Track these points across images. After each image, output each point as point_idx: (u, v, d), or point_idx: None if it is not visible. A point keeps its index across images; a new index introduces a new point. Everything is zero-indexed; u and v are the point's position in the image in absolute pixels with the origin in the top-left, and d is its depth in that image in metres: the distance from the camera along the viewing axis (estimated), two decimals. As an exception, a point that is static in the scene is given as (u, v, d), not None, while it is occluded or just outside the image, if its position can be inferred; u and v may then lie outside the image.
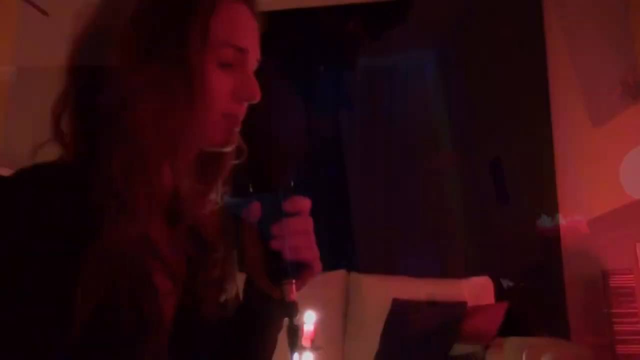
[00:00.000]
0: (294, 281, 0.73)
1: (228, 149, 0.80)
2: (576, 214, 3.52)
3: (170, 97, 0.72)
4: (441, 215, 3.62)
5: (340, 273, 3.28)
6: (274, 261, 0.73)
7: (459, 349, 2.68)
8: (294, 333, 0.72)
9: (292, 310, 0.72)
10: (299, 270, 0.74)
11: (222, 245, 0.85)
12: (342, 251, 3.63)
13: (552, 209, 3.50)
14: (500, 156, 3.60)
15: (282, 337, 0.80)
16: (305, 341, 2.05)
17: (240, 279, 0.87)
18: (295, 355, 1.76)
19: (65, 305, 0.65)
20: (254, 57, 0.80)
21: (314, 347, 2.03)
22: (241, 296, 0.88)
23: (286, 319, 0.73)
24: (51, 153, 0.75)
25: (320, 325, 2.97)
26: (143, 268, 0.72)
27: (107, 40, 0.73)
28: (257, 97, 0.79)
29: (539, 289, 3.44)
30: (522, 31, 3.74)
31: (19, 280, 0.65)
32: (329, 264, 3.37)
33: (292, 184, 0.77)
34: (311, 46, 4.00)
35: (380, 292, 3.12)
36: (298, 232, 0.73)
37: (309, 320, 2.08)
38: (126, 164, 0.70)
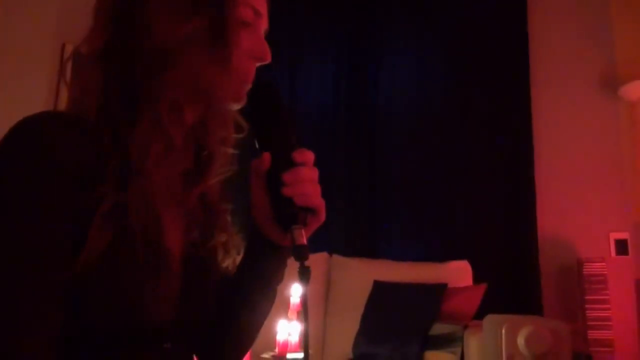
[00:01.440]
0: (302, 227, 0.75)
1: (238, 105, 0.83)
2: (552, 204, 3.61)
3: (211, 49, 0.76)
4: (423, 201, 3.66)
5: (322, 255, 3.31)
6: (285, 207, 0.76)
7: (439, 328, 2.73)
8: (306, 274, 0.75)
9: (303, 252, 0.74)
10: (309, 216, 0.77)
11: (227, 212, 0.90)
12: (324, 234, 3.65)
13: (529, 200, 3.58)
14: (478, 146, 3.66)
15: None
16: (291, 313, 2.07)
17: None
18: (282, 323, 1.78)
19: (82, 237, 0.67)
20: (264, 25, 0.85)
21: (300, 318, 2.06)
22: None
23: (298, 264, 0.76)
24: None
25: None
26: (159, 215, 0.75)
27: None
28: (268, 58, 0.83)
29: (516, 275, 3.50)
30: (505, 25, 3.81)
31: (47, 205, 0.66)
32: (311, 247, 3.39)
33: (296, 137, 0.80)
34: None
35: (361, 274, 3.16)
36: (307, 180, 0.77)
37: (295, 293, 2.10)
38: (175, 104, 0.75)
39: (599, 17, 3.74)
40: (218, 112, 0.82)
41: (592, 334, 3.29)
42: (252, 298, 0.88)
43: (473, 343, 2.46)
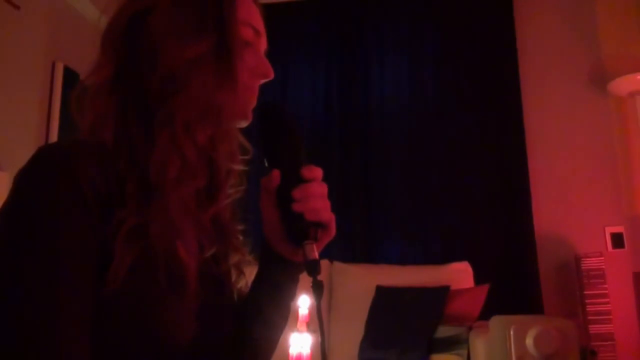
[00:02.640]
0: (314, 242, 0.76)
1: (245, 123, 0.86)
2: (547, 201, 3.65)
3: (218, 71, 0.78)
4: (419, 204, 3.68)
5: (323, 262, 3.31)
6: (296, 223, 0.77)
7: (444, 331, 2.74)
8: (319, 288, 0.75)
9: (315, 267, 0.75)
10: (320, 231, 0.78)
11: (238, 233, 0.91)
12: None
13: (525, 198, 3.61)
14: (471, 146, 3.69)
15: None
16: (300, 325, 2.07)
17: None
18: (295, 336, 1.78)
19: (106, 262, 0.68)
20: (264, 44, 0.88)
21: (310, 330, 2.06)
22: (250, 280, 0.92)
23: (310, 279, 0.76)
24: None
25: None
26: (178, 235, 0.76)
27: (150, 25, 0.79)
28: (271, 75, 0.86)
29: (514, 273, 3.53)
30: (494, 24, 3.84)
31: (69, 236, 0.67)
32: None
33: (305, 154, 0.82)
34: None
35: (363, 280, 3.17)
36: (317, 196, 0.78)
37: (304, 304, 2.10)
38: (188, 125, 0.76)
39: (585, 14, 3.79)
40: (227, 131, 0.85)
41: (593, 329, 3.32)
42: (266, 315, 0.89)
43: (479, 344, 2.47)
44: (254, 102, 0.85)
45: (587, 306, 3.35)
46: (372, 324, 2.96)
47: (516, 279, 3.52)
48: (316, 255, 0.76)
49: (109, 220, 0.69)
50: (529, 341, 2.04)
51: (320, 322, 0.76)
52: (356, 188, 3.76)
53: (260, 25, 0.86)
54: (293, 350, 1.85)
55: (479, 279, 3.19)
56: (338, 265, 3.33)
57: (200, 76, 0.77)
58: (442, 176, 3.70)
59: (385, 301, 3.00)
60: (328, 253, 3.40)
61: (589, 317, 3.33)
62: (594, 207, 3.61)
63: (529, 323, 2.07)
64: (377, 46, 3.98)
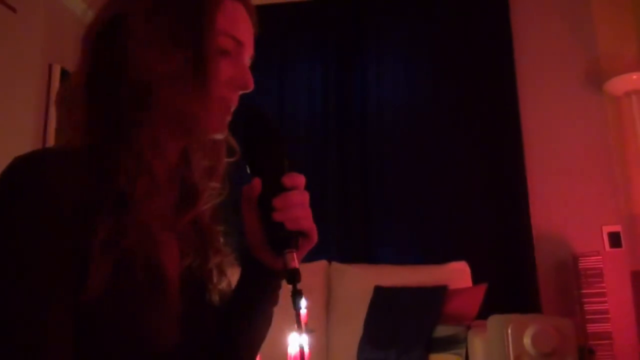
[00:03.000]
0: (294, 250, 0.77)
1: (220, 136, 0.85)
2: (544, 201, 3.66)
3: (189, 84, 0.77)
4: (417, 204, 3.69)
5: (321, 263, 3.32)
6: (276, 232, 0.77)
7: (442, 330, 2.75)
8: (297, 297, 0.76)
9: (295, 276, 0.75)
10: (300, 239, 0.79)
11: (220, 234, 0.91)
12: (322, 243, 3.65)
13: (522, 197, 3.62)
14: (468, 146, 3.70)
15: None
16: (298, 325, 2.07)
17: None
18: (293, 336, 1.79)
19: (83, 271, 0.68)
20: (248, 52, 0.85)
21: (308, 330, 2.07)
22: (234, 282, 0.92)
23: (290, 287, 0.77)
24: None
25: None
26: (156, 236, 0.76)
27: (125, 30, 0.78)
28: (250, 87, 0.84)
29: (512, 273, 3.53)
30: (490, 24, 3.85)
31: (48, 247, 0.67)
32: (309, 256, 3.40)
33: (287, 162, 0.82)
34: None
35: (361, 280, 3.17)
36: (297, 205, 0.78)
37: (302, 304, 2.11)
38: (155, 140, 0.77)
39: (581, 13, 3.80)
40: (200, 144, 0.86)
41: (591, 328, 3.33)
42: (248, 321, 0.90)
43: (478, 343, 2.48)
44: (229, 115, 0.84)
45: (585, 305, 3.35)
46: (371, 324, 2.96)
47: (514, 278, 3.53)
48: (296, 264, 0.76)
49: (85, 230, 0.69)
50: (527, 340, 2.05)
51: (299, 327, 0.78)
52: (354, 189, 3.76)
53: (244, 34, 0.84)
54: (292, 350, 1.86)
55: (477, 279, 3.20)
56: (336, 265, 3.33)
57: (170, 89, 0.77)
58: (440, 176, 3.70)
59: (384, 301, 3.01)
60: (326, 254, 3.42)
61: (587, 316, 3.34)
62: (592, 206, 3.62)
63: (527, 322, 2.08)
64: (375, 47, 3.99)
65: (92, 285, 0.68)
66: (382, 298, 3.02)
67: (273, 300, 0.90)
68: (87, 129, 0.77)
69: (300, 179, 0.80)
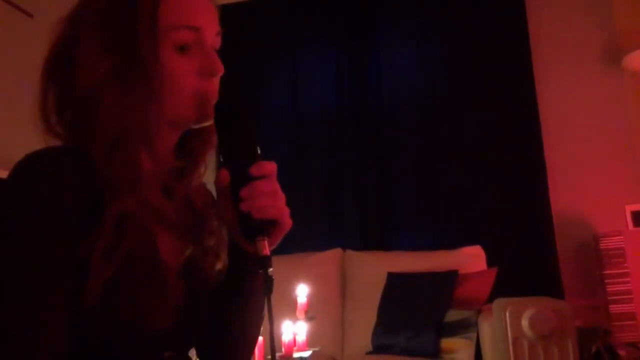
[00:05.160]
0: (265, 238, 0.79)
1: (206, 123, 0.86)
2: (564, 181, 3.59)
3: (130, 85, 0.79)
4: (434, 189, 3.67)
5: (336, 251, 3.36)
6: (244, 222, 0.80)
7: (453, 315, 2.75)
8: (268, 282, 0.78)
9: (265, 263, 0.78)
10: (269, 227, 0.80)
11: (213, 216, 0.93)
12: (337, 231, 3.69)
13: (541, 178, 3.56)
14: (485, 128, 3.65)
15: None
16: (299, 313, 2.13)
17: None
18: (288, 323, 1.83)
19: (81, 270, 0.73)
20: (211, 32, 0.86)
21: (308, 317, 2.12)
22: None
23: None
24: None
25: (319, 301, 3.08)
26: (150, 234, 0.81)
27: (75, 39, 0.82)
28: (218, 72, 0.85)
29: (532, 255, 3.49)
30: (503, 3, 3.78)
31: (50, 244, 0.73)
32: (325, 244, 3.45)
33: (259, 151, 0.83)
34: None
35: (375, 267, 3.20)
36: (264, 194, 0.79)
37: (302, 293, 2.16)
38: (106, 148, 0.79)
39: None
40: (169, 139, 0.88)
41: (614, 309, 3.27)
42: (240, 307, 0.93)
43: (485, 328, 2.48)
44: (211, 102, 0.85)
45: (607, 286, 3.29)
46: (384, 310, 2.99)
47: (534, 261, 3.49)
48: (267, 251, 0.78)
49: (89, 231, 0.74)
50: (525, 322, 2.04)
51: (270, 316, 0.79)
52: (370, 176, 3.77)
53: (198, 17, 0.83)
54: (285, 338, 1.91)
55: (496, 262, 3.17)
56: (350, 253, 3.37)
57: (111, 95, 0.79)
58: (456, 159, 3.67)
59: (396, 287, 3.03)
60: (341, 242, 3.46)
61: (609, 297, 3.28)
62: (613, 185, 3.54)
63: (525, 304, 2.07)
64: (388, 36, 3.96)
65: (89, 291, 0.73)
66: (395, 284, 3.04)
67: (259, 284, 0.91)
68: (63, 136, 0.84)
69: (269, 167, 0.81)
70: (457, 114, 3.73)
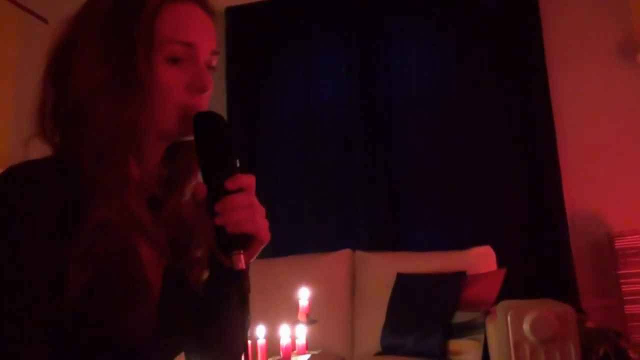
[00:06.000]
0: (241, 252, 0.79)
1: (189, 138, 0.86)
2: (579, 179, 3.54)
3: (123, 94, 0.80)
4: (445, 188, 3.64)
5: (346, 252, 3.37)
6: (220, 235, 0.79)
7: (461, 316, 2.74)
8: (243, 298, 0.79)
9: (240, 278, 0.78)
10: (246, 241, 0.80)
11: (201, 228, 0.92)
12: (347, 231, 3.70)
13: (555, 176, 3.51)
14: (498, 126, 3.61)
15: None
16: (300, 316, 2.14)
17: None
18: (285, 327, 1.84)
19: (60, 279, 0.73)
20: (205, 50, 0.86)
21: (309, 321, 2.12)
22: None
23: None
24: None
25: (329, 302, 3.09)
26: (130, 242, 0.82)
27: (75, 44, 0.83)
28: (207, 88, 0.85)
29: (546, 254, 3.45)
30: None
31: (24, 259, 0.73)
32: (335, 245, 3.46)
33: (238, 164, 0.83)
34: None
35: (385, 268, 3.19)
36: (239, 208, 0.79)
37: (304, 296, 2.17)
38: (95, 156, 0.79)
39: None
40: (156, 150, 0.89)
41: (629, 309, 3.22)
42: (221, 317, 0.93)
43: (491, 329, 2.46)
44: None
45: (622, 286, 3.24)
46: (393, 310, 2.99)
47: (548, 260, 3.45)
48: (242, 265, 0.78)
49: (66, 241, 0.74)
50: (526, 326, 2.02)
51: (245, 335, 0.81)
52: (381, 176, 3.76)
53: (193, 35, 0.84)
54: (283, 342, 1.92)
55: (509, 262, 3.15)
56: (360, 254, 3.37)
57: (104, 104, 0.79)
58: (468, 158, 3.64)
59: (405, 288, 3.02)
60: (352, 242, 3.46)
61: (625, 297, 3.23)
62: (628, 183, 3.47)
63: (526, 308, 2.05)
64: (398, 36, 3.93)
65: (67, 297, 0.74)
66: (404, 285, 3.03)
67: (238, 298, 0.91)
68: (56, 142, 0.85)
69: (245, 180, 0.80)
70: (468, 112, 3.69)
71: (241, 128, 3.95)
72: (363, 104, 3.89)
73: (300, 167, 3.81)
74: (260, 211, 0.81)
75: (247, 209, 0.79)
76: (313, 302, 2.21)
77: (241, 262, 0.78)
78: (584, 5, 3.68)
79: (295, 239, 3.64)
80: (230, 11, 4.11)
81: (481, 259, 3.10)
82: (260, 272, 3.24)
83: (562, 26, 3.69)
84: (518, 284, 3.14)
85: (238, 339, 0.96)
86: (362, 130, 3.85)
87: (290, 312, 2.34)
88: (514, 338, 2.04)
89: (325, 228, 3.68)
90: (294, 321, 2.12)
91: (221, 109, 3.93)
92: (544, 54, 3.64)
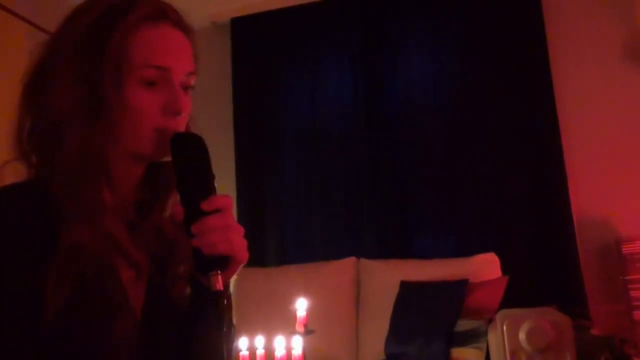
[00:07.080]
0: (219, 273, 0.79)
1: (167, 159, 0.87)
2: (585, 183, 3.50)
3: (92, 118, 0.82)
4: (451, 195, 3.63)
5: (350, 260, 3.38)
6: (197, 257, 0.80)
7: (464, 324, 2.73)
8: (220, 319, 0.80)
9: (216, 299, 0.79)
10: (223, 262, 0.80)
11: (183, 244, 0.92)
12: (352, 239, 3.71)
13: (561, 181, 3.48)
14: (502, 131, 3.59)
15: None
16: (298, 326, 2.16)
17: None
18: (280, 339, 1.86)
19: (38, 302, 0.75)
20: (180, 72, 0.87)
21: (307, 331, 2.14)
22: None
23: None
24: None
25: (333, 310, 3.10)
26: (106, 262, 0.83)
27: (48, 70, 0.86)
28: (181, 110, 0.86)
29: (553, 260, 3.42)
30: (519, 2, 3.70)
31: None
32: (339, 253, 3.47)
33: (215, 185, 0.84)
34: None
35: (389, 275, 3.20)
36: (215, 229, 0.79)
37: (301, 306, 2.19)
38: (63, 180, 0.81)
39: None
40: (132, 172, 0.91)
41: (638, 315, 3.18)
42: (203, 336, 0.93)
43: (492, 338, 2.46)
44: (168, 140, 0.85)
45: (631, 291, 3.21)
46: (396, 318, 2.99)
47: (555, 265, 3.42)
48: (220, 286, 0.79)
49: (43, 261, 0.76)
50: (522, 335, 2.02)
51: (227, 348, 0.82)
52: (387, 182, 3.76)
53: (167, 58, 0.85)
54: (278, 353, 1.94)
55: (516, 268, 3.13)
56: (364, 262, 3.38)
57: (75, 127, 0.81)
58: (473, 164, 3.62)
59: (409, 296, 3.02)
60: (357, 250, 3.48)
61: (633, 303, 3.19)
62: (636, 187, 3.43)
63: (522, 317, 2.04)
64: (403, 37, 3.93)
65: (49, 310, 0.75)
66: (407, 293, 3.04)
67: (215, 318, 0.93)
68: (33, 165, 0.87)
69: (222, 201, 0.81)
70: (474, 119, 3.67)
71: (248, 137, 3.99)
72: (369, 112, 3.89)
73: (306, 175, 3.83)
74: (237, 231, 0.82)
75: (223, 230, 0.80)
76: (318, 310, 2.23)
77: (218, 282, 0.79)
78: (588, 6, 3.64)
79: (301, 246, 3.67)
80: (235, 22, 4.16)
81: (485, 266, 3.09)
82: (264, 282, 3.30)
83: (566, 29, 3.65)
84: (526, 291, 3.13)
85: (218, 358, 0.98)
86: (367, 137, 3.85)
87: (292, 322, 2.36)
88: (510, 347, 2.04)
89: (332, 235, 3.69)
90: (291, 331, 2.14)
91: (227, 118, 3.98)
92: (548, 56, 3.60)
